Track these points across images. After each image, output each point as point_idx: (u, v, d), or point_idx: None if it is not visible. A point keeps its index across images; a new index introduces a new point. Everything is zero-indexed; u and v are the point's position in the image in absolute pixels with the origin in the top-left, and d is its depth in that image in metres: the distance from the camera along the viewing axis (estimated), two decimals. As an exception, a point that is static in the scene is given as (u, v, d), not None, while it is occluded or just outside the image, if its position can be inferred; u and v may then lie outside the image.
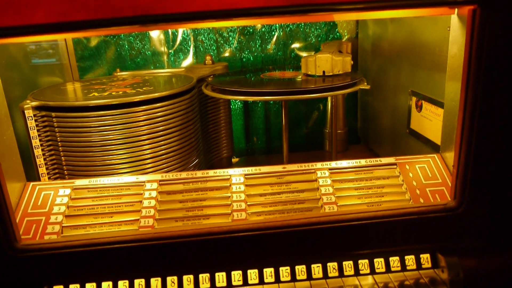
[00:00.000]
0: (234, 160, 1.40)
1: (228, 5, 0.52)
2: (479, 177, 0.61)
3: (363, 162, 0.74)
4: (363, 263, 0.63)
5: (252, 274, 0.61)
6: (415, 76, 0.98)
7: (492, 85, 0.56)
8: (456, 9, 0.64)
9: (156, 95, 0.89)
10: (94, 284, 0.61)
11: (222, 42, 1.36)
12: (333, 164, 0.74)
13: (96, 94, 0.93)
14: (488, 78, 0.56)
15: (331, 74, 1.03)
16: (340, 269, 0.62)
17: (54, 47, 1.26)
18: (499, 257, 0.62)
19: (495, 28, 0.54)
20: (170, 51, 1.35)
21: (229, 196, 0.70)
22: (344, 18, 1.30)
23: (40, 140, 0.87)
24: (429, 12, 0.69)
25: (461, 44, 0.65)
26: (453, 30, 0.67)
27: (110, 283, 0.61)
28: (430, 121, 0.90)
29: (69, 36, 1.12)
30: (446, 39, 0.79)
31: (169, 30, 1.33)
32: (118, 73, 1.25)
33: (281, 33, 1.37)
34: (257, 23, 1.26)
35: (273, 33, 1.37)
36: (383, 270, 0.63)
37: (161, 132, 0.90)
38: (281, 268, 0.62)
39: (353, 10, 0.56)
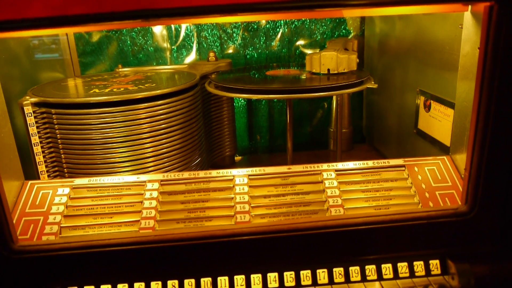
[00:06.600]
0: (237, 158, 1.38)
1: None
2: (492, 181, 0.58)
3: (370, 163, 0.72)
4: (370, 269, 0.61)
5: (256, 278, 0.59)
6: (423, 75, 0.95)
7: (508, 86, 0.54)
8: (469, 6, 0.61)
9: (158, 92, 0.87)
10: (93, 287, 0.59)
11: (225, 38, 1.34)
12: (340, 165, 0.72)
13: (97, 90, 0.91)
14: (504, 78, 0.53)
15: (336, 72, 1.01)
16: (347, 274, 0.60)
17: (56, 42, 1.24)
18: (511, 264, 0.60)
19: (513, 26, 0.51)
20: (173, 47, 1.33)
21: (233, 198, 0.68)
22: (353, 15, 1.28)
23: (39, 137, 0.85)
24: (440, 8, 0.66)
25: (474, 42, 0.63)
26: (465, 28, 0.65)
27: (109, 286, 0.59)
28: (439, 122, 0.87)
29: (68, 30, 1.10)
30: (457, 37, 0.77)
31: (172, 26, 1.30)
32: (120, 69, 1.23)
33: (286, 29, 1.34)
34: (263, 18, 1.23)
35: (278, 29, 1.34)
36: (391, 276, 0.61)
37: (163, 130, 0.88)
38: (285, 273, 0.60)
39: (363, 6, 0.54)
